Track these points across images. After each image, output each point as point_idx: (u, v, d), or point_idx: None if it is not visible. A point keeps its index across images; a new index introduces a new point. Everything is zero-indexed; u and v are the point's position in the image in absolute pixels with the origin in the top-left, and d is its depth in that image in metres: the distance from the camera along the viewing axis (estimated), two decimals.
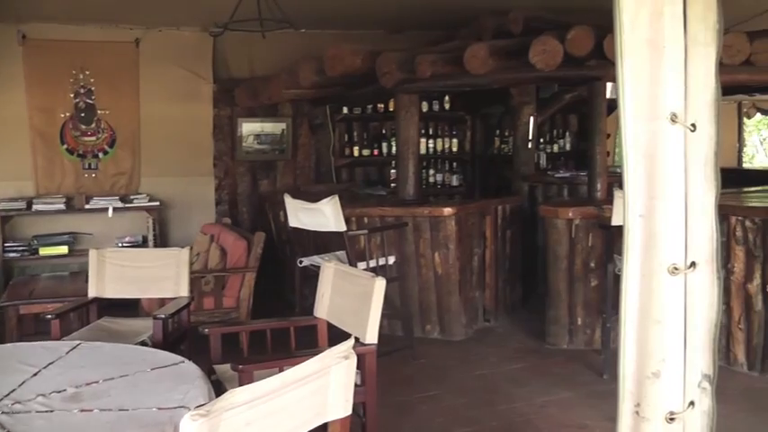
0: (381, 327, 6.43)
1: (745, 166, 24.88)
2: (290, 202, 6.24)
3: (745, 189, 7.68)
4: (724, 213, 5.73)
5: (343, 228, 5.83)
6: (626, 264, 2.21)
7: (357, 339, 3.61)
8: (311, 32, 8.74)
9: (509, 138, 9.16)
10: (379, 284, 3.68)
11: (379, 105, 9.39)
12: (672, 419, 2.26)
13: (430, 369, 5.90)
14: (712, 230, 2.27)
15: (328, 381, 2.36)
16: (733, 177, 10.40)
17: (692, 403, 2.29)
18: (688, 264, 2.22)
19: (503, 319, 7.18)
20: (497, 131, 9.76)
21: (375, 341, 3.64)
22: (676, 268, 2.20)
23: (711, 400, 2.34)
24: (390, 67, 6.50)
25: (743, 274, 5.70)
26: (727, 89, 8.15)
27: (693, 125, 2.18)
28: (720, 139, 2.28)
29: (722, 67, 6.32)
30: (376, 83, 6.78)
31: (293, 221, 6.25)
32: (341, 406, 2.41)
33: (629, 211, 2.18)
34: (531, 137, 8.03)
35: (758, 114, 18.49)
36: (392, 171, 9.07)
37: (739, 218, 5.70)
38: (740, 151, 17.42)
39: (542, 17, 6.80)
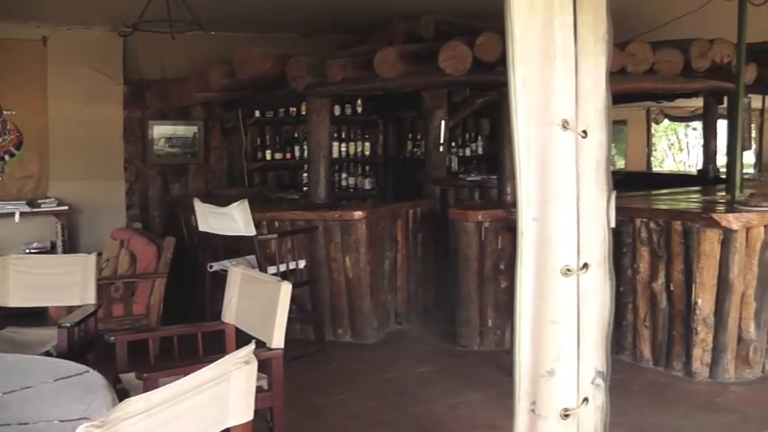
0: (293, 331, 6.52)
1: (656, 169, 25.65)
2: (200, 207, 6.19)
3: (654, 192, 7.92)
4: (630, 216, 5.94)
5: (252, 232, 5.82)
6: (520, 266, 2.27)
7: (264, 344, 3.61)
8: (223, 35, 8.68)
9: (421, 141, 9.23)
10: (285, 289, 3.68)
11: (291, 109, 9.39)
12: (566, 416, 2.33)
13: (341, 372, 5.92)
14: (604, 233, 2.35)
15: (228, 386, 2.35)
16: (643, 181, 10.76)
17: (585, 399, 2.37)
18: (581, 265, 2.30)
19: (415, 322, 7.25)
20: (410, 135, 9.82)
21: (282, 345, 3.64)
22: (569, 270, 2.27)
23: (605, 395, 2.42)
24: (301, 70, 6.50)
25: (648, 273, 5.90)
26: (635, 96, 8.48)
27: (584, 132, 2.26)
28: (610, 144, 2.36)
29: (627, 75, 6.59)
30: (287, 87, 6.78)
31: (203, 226, 6.20)
32: (242, 412, 2.40)
33: (522, 214, 2.24)
34: (442, 140, 8.12)
35: (666, 120, 19.10)
36: (305, 175, 9.05)
37: (644, 220, 5.89)
38: (649, 156, 17.95)
39: (454, 22, 6.89)
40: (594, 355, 2.38)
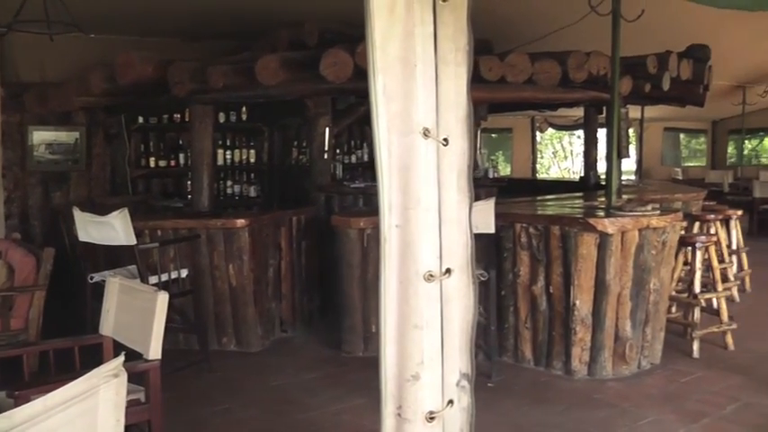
0: (177, 341, 6.41)
1: (543, 176, 26.32)
2: (80, 216, 6.01)
3: (539, 198, 8.13)
4: (510, 221, 6.09)
5: (133, 241, 5.69)
6: (383, 272, 2.29)
7: (141, 355, 3.54)
8: (104, 38, 8.43)
9: (306, 149, 9.18)
10: (162, 299, 3.61)
11: (175, 115, 9.20)
12: (432, 418, 2.36)
13: (225, 382, 5.84)
14: (467, 238, 2.40)
15: (97, 401, 2.29)
16: (528, 187, 11.05)
17: (450, 402, 2.41)
18: (443, 270, 2.34)
19: (300, 329, 7.23)
20: (295, 142, 9.76)
21: (159, 356, 3.56)
22: (432, 275, 2.31)
23: (470, 396, 2.47)
24: (182, 76, 6.43)
25: (528, 277, 6.07)
26: (518, 105, 8.70)
27: (446, 140, 2.30)
28: (472, 152, 2.41)
29: (507, 84, 6.75)
30: (169, 92, 6.67)
31: (83, 236, 6.02)
32: (111, 427, 2.34)
33: (385, 221, 2.27)
34: (327, 147, 8.12)
35: (550, 129, 19.69)
36: (189, 182, 8.91)
37: (524, 225, 6.05)
38: (534, 163, 18.43)
39: (337, 30, 6.92)
40: (459, 358, 2.43)
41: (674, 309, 7.23)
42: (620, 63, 6.25)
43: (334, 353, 6.49)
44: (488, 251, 6.09)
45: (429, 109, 2.27)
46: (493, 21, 8.13)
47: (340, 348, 6.47)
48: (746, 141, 23.46)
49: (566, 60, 7.20)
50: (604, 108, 8.87)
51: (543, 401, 5.39)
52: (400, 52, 2.22)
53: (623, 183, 10.29)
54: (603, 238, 5.64)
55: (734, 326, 6.63)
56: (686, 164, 22.54)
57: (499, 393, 5.54)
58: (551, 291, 5.92)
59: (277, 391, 5.65)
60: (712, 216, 8.20)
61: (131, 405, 3.56)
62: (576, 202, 7.58)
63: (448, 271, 2.35)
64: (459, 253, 2.38)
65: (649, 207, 6.02)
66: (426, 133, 2.25)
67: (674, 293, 6.94)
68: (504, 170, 18.34)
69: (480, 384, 5.59)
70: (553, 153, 28.82)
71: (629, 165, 19.58)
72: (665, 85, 8.23)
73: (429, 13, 2.27)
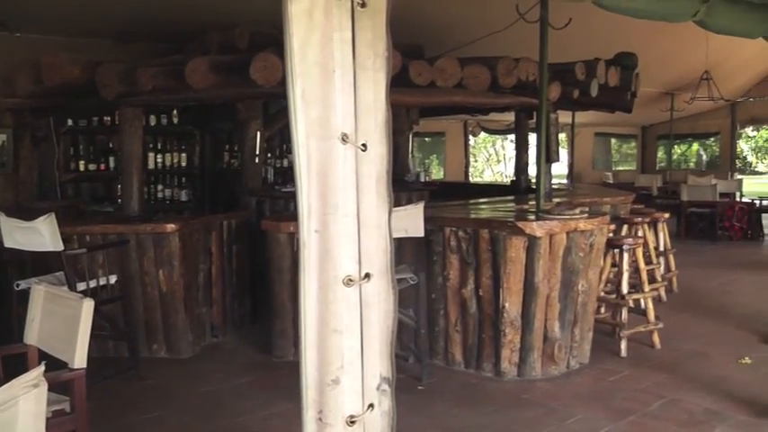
0: (106, 349, 6.31)
1: (477, 180, 26.55)
2: (5, 221, 5.87)
3: (471, 201, 8.19)
4: (439, 225, 6.13)
5: (60, 247, 5.58)
6: (303, 277, 2.30)
7: (66, 364, 3.48)
8: (32, 37, 8.24)
9: (238, 152, 9.11)
10: (88, 306, 3.55)
11: (105, 118, 9.04)
12: (352, 422, 2.37)
13: (156, 389, 5.77)
14: (386, 243, 2.41)
15: (16, 412, 2.25)
16: (460, 191, 11.14)
17: (371, 405, 2.42)
18: (363, 275, 2.35)
19: (231, 335, 7.19)
20: (227, 146, 9.67)
21: (84, 365, 3.50)
22: (351, 280, 2.32)
23: (391, 400, 2.49)
24: (111, 78, 6.33)
25: (458, 280, 6.12)
26: (450, 109, 8.76)
27: (364, 145, 2.32)
28: (391, 157, 2.43)
29: (437, 89, 6.80)
30: (98, 95, 6.56)
31: (9, 242, 5.88)
32: None
33: (304, 226, 2.27)
34: (258, 151, 8.08)
35: (483, 133, 19.89)
36: (120, 186, 8.76)
37: (453, 229, 6.10)
38: (467, 167, 18.58)
39: (269, 33, 6.89)
40: (379, 362, 2.44)
41: (602, 309, 7.37)
42: (548, 69, 6.34)
43: (266, 357, 6.46)
44: (418, 255, 6.13)
45: (347, 114, 2.28)
46: (424, 26, 8.20)
47: (271, 353, 6.44)
48: (676, 146, 24.02)
49: (495, 66, 7.28)
50: (534, 113, 9.02)
51: (473, 403, 5.44)
52: (319, 58, 2.23)
53: (554, 186, 10.48)
54: (532, 241, 5.73)
55: (660, 325, 6.79)
56: (617, 168, 23.01)
57: (429, 396, 5.58)
58: (481, 293, 5.98)
59: (208, 396, 5.60)
60: (640, 219, 8.37)
61: (56, 416, 3.50)
62: (507, 205, 7.67)
63: (367, 276, 2.36)
64: (379, 258, 2.40)
65: (577, 210, 6.12)
66: (345, 139, 2.26)
67: (602, 294, 7.08)
68: (438, 174, 18.50)
69: (411, 387, 5.67)
70: (487, 157, 29.22)
71: (560, 169, 19.95)
72: (594, 92, 8.38)
73: (347, 19, 2.28)
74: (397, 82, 6.78)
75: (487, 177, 28.86)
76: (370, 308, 2.39)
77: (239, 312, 7.39)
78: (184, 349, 6.57)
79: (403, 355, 6.36)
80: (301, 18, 2.22)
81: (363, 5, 2.29)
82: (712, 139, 22.98)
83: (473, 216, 6.58)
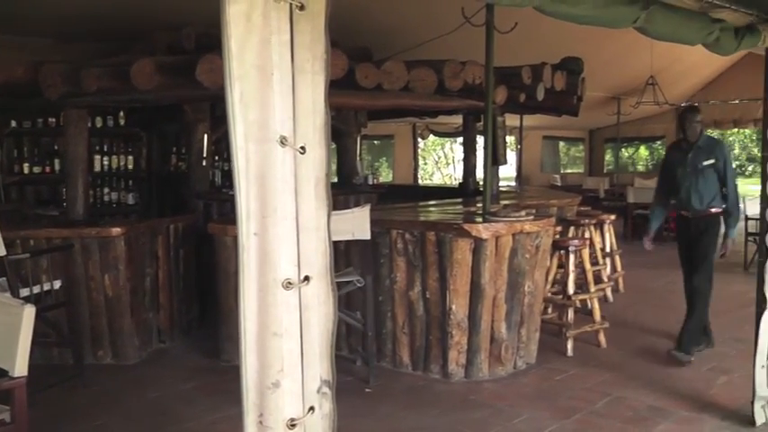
0: (51, 356, 6.20)
1: (426, 182, 26.60)
2: None
3: (419, 204, 8.22)
4: (386, 228, 6.14)
5: (2, 252, 5.51)
6: (242, 280, 2.28)
7: (6, 372, 3.41)
8: None
9: (186, 155, 8.99)
10: (29, 312, 3.49)
11: (50, 119, 8.82)
12: (293, 426, 2.37)
13: (101, 397, 5.69)
14: (325, 246, 2.41)
15: None
16: (409, 193, 11.18)
17: (311, 408, 2.42)
18: (302, 278, 2.35)
19: (179, 339, 7.12)
20: (174, 148, 9.54)
21: (25, 373, 3.44)
22: (290, 283, 2.32)
23: (331, 403, 2.49)
24: (54, 79, 6.25)
25: (405, 282, 6.14)
26: (399, 112, 8.77)
27: (303, 148, 2.31)
28: (330, 160, 2.43)
29: (384, 92, 6.81)
30: (42, 95, 6.46)
31: None
32: None
33: (243, 229, 2.26)
34: (205, 154, 8.01)
35: (432, 136, 19.96)
36: (65, 189, 8.60)
37: (400, 231, 6.12)
38: (416, 169, 18.63)
39: (215, 34, 6.83)
40: (319, 365, 2.44)
41: (549, 310, 7.46)
42: (495, 73, 6.41)
43: (213, 362, 6.41)
44: (365, 257, 6.15)
45: (286, 117, 2.27)
46: (372, 29, 8.22)
47: (218, 357, 6.40)
48: (623, 149, 24.37)
49: (441, 69, 7.33)
50: (482, 116, 9.10)
51: (420, 405, 5.47)
52: (257, 60, 2.22)
53: (502, 189, 10.58)
54: (478, 243, 5.77)
55: (606, 325, 6.90)
56: (565, 171, 23.29)
57: (377, 398, 5.59)
58: (428, 296, 6.01)
59: (154, 403, 5.55)
60: (586, 221, 8.51)
61: None
62: (455, 208, 7.72)
63: (306, 279, 2.36)
64: (318, 261, 2.39)
65: (523, 213, 6.19)
66: (283, 141, 2.26)
67: (549, 295, 7.18)
68: (387, 176, 18.53)
69: (358, 390, 5.68)
70: (436, 160, 29.37)
71: (509, 171, 20.12)
72: (540, 96, 8.49)
73: (286, 22, 2.27)
74: (344, 85, 6.82)
75: (437, 180, 28.98)
76: (310, 310, 2.39)
77: (187, 317, 7.33)
78: (131, 355, 6.50)
79: (351, 357, 6.38)
80: (239, 20, 2.21)
81: (302, 8, 2.28)
82: (659, 142, 23.37)
83: (420, 219, 6.61)
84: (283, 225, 2.30)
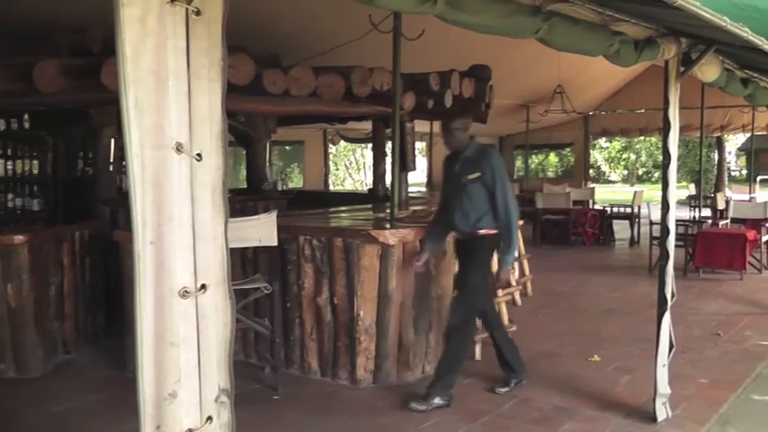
0: None
1: (338, 188, 26.58)
2: None
3: (330, 210, 8.22)
4: (294, 234, 6.12)
5: None
6: (138, 289, 2.26)
7: None
8: None
9: (92, 160, 8.76)
10: None
11: None
12: None
13: (2, 412, 5.47)
14: (223, 254, 2.39)
15: None
16: (320, 199, 11.17)
17: (209, 418, 2.39)
18: (199, 287, 2.33)
19: (85, 350, 6.93)
20: (81, 153, 9.30)
21: None
22: (187, 291, 2.29)
23: (230, 412, 2.46)
24: None
25: (313, 289, 6.13)
26: (309, 118, 8.74)
27: (199, 155, 2.29)
28: (228, 168, 2.42)
29: (292, 98, 6.78)
30: None
31: None
32: None
33: (138, 237, 2.23)
34: (112, 159, 7.84)
35: (342, 141, 19.98)
36: None
37: (307, 237, 6.11)
38: (326, 175, 18.63)
39: None
40: (217, 374, 2.42)
41: None
42: (403, 79, 6.46)
43: (119, 373, 6.25)
44: (273, 264, 6.12)
45: (182, 124, 2.25)
46: (281, 35, 8.20)
47: (125, 368, 6.24)
48: (534, 156, 24.87)
49: (349, 75, 7.36)
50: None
51: (328, 412, 5.46)
52: (152, 65, 2.19)
53: (413, 195, 10.66)
54: (385, 250, 5.81)
55: (514, 328, 7.00)
56: None
57: (285, 406, 5.56)
58: (336, 302, 6.02)
59: (57, 417, 5.37)
60: None
61: None
62: (364, 214, 7.75)
63: (203, 287, 2.34)
64: (215, 269, 2.38)
65: (431, 218, 6.24)
66: (179, 148, 2.23)
67: None
68: (299, 182, 18.46)
69: (266, 397, 5.65)
70: (346, 166, 29.48)
71: (420, 177, 20.29)
72: (448, 102, 8.59)
73: (182, 27, 2.25)
74: (252, 90, 6.79)
75: (349, 186, 29.05)
76: (207, 319, 2.37)
77: (93, 327, 7.14)
78: (34, 368, 6.28)
79: (259, 365, 6.34)
80: (134, 23, 2.17)
81: (198, 13, 2.26)
82: (568, 149, 23.97)
83: (327, 225, 6.61)
84: (180, 233, 2.28)
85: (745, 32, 4.05)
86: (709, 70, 5.43)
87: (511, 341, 6.06)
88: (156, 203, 2.24)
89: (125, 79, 2.18)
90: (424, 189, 17.15)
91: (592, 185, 21.07)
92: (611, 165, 53.38)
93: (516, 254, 9.39)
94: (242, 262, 6.39)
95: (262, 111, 8.17)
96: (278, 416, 5.32)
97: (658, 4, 3.35)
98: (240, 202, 8.84)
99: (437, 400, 5.43)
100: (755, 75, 6.69)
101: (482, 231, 5.53)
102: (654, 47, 4.71)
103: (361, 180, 28.42)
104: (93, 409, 5.51)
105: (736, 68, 6.20)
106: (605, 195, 26.76)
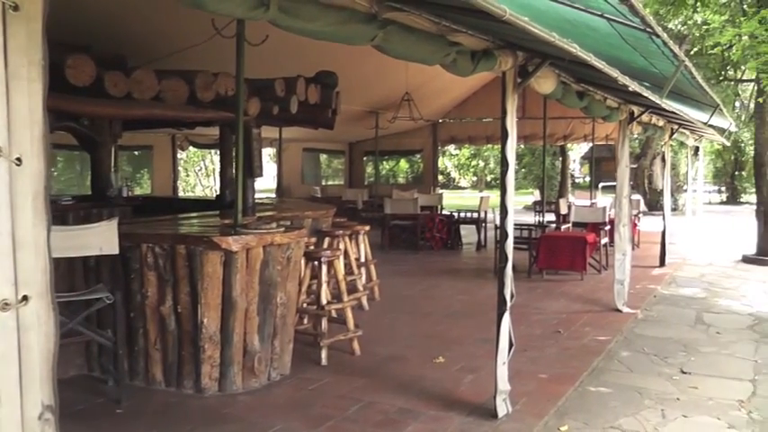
0: None
1: (189, 194, 26.03)
2: None
3: (179, 216, 8.02)
4: (136, 242, 5.94)
5: None
6: None
7: None
8: None
9: None
10: None
11: None
12: None
13: None
14: (45, 263, 2.30)
15: None
16: (167, 205, 10.88)
17: None
18: (20, 298, 2.22)
19: None
20: None
21: None
22: (7, 303, 2.19)
23: (55, 429, 2.36)
24: None
25: (156, 297, 5.97)
26: (156, 122, 8.45)
27: (19, 159, 2.19)
28: (50, 173, 2.32)
29: (136, 101, 6.56)
30: None
31: None
32: None
33: None
34: None
35: (191, 147, 19.60)
36: None
37: (150, 245, 5.93)
38: (175, 181, 18.23)
39: None
40: (41, 390, 2.32)
41: (305, 320, 7.53)
42: (248, 85, 6.39)
43: None
44: (115, 273, 5.93)
45: (0, 127, 2.15)
46: (128, 36, 7.95)
47: None
48: (385, 162, 25.16)
49: (193, 79, 7.22)
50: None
51: (173, 423, 5.32)
52: None
53: (261, 201, 10.57)
54: (228, 256, 5.73)
55: (360, 332, 7.06)
56: (328, 182, 23.71)
57: (128, 419, 5.38)
58: (180, 310, 5.89)
59: None
60: (341, 232, 8.68)
61: None
62: (211, 220, 7.61)
63: (25, 298, 2.24)
64: (38, 279, 2.28)
65: (274, 225, 6.21)
66: None
67: (304, 306, 7.25)
68: (144, 188, 17.97)
69: (109, 412, 5.46)
70: (197, 171, 28.98)
71: (270, 183, 20.18)
72: (293, 108, 8.58)
73: None
74: (94, 92, 6.54)
75: (199, 192, 28.56)
76: (29, 332, 2.26)
77: None
78: None
79: (102, 378, 6.12)
80: None
81: (16, 9, 2.16)
82: (417, 156, 24.40)
83: (171, 231, 6.45)
84: None
85: (574, 48, 4.25)
86: (546, 83, 5.65)
87: None
88: None
89: None
90: (273, 195, 17.02)
91: (440, 191, 21.53)
92: (461, 171, 54.83)
93: (363, 258, 9.52)
94: (84, 271, 6.15)
95: (104, 114, 7.88)
96: (121, 430, 5.14)
97: (489, 17, 3.45)
98: (84, 209, 8.51)
99: None
100: (591, 88, 7.03)
101: None
102: (491, 58, 4.85)
103: (211, 186, 27.98)
104: None
105: (572, 82, 6.50)
106: (454, 201, 27.45)
